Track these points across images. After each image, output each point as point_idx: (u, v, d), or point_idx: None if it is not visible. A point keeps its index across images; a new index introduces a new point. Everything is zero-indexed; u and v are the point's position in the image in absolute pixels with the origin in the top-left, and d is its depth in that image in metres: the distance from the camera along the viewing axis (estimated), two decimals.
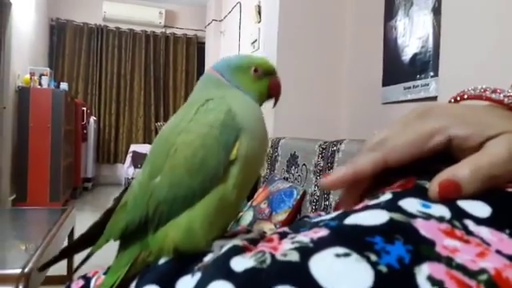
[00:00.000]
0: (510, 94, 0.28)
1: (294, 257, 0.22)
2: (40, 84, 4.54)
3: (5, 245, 1.84)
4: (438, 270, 0.20)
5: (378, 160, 0.28)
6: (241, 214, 1.90)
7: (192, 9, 6.71)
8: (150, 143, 6.21)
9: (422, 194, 0.25)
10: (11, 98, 4.22)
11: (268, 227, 1.68)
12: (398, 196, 0.25)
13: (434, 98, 1.85)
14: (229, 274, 0.23)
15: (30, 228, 2.35)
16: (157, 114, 6.69)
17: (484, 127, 0.26)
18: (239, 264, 0.24)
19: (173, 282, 0.29)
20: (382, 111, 2.32)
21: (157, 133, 6.26)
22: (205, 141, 0.34)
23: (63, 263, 2.13)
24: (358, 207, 0.26)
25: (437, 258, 0.21)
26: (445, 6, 1.74)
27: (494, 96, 0.29)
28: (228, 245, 0.28)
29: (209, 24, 5.87)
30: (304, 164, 1.85)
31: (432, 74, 1.88)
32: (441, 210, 0.23)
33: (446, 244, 0.21)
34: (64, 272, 2.19)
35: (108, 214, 0.38)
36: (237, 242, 0.29)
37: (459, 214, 0.23)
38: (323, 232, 0.24)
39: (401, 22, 2.15)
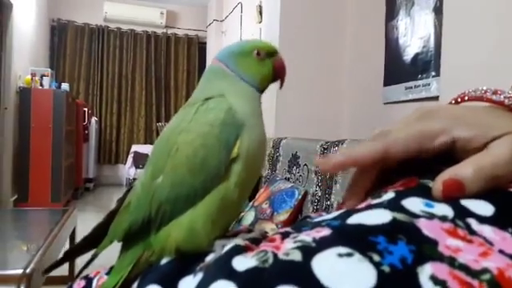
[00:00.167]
0: (511, 96, 0.28)
1: (297, 256, 0.22)
2: (41, 85, 4.54)
3: (6, 245, 1.85)
4: (441, 270, 0.20)
5: (379, 149, 0.28)
6: (242, 214, 1.90)
7: (193, 9, 6.72)
8: (151, 143, 6.21)
9: (425, 193, 0.25)
10: (12, 99, 4.23)
11: (269, 227, 1.68)
12: (400, 195, 0.25)
13: (436, 98, 1.85)
14: (231, 274, 0.23)
15: (32, 228, 2.35)
16: (158, 115, 6.69)
17: (487, 128, 0.26)
18: (241, 263, 0.24)
19: (175, 282, 0.29)
20: (383, 111, 2.32)
21: (158, 133, 6.28)
22: (206, 140, 0.34)
23: (65, 264, 2.13)
24: (360, 206, 0.26)
25: (439, 257, 0.21)
26: (446, 6, 1.74)
27: (494, 97, 0.29)
28: (230, 244, 0.28)
29: (210, 24, 5.87)
30: (305, 164, 1.85)
31: (433, 73, 1.88)
32: (444, 210, 0.23)
33: (448, 244, 0.21)
34: (65, 272, 2.20)
35: (111, 216, 0.38)
36: (239, 241, 0.29)
37: (462, 213, 0.23)
38: (325, 231, 0.24)
39: (402, 22, 2.15)
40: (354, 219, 0.24)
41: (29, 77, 4.46)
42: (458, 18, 1.67)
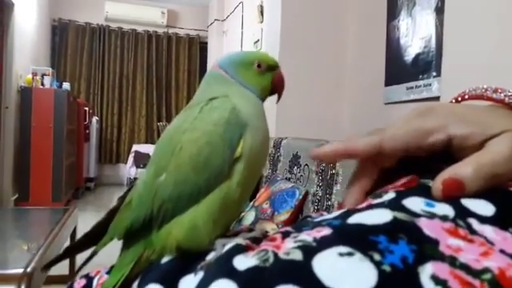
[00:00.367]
0: (511, 94, 0.28)
1: (297, 256, 0.22)
2: (42, 84, 4.55)
3: (7, 245, 1.85)
4: (442, 270, 0.20)
5: (374, 142, 0.28)
6: (243, 214, 1.90)
7: (194, 9, 6.72)
8: (152, 143, 6.22)
9: (425, 192, 0.25)
10: (13, 98, 4.24)
11: (270, 227, 1.68)
12: (401, 195, 0.25)
13: (437, 98, 1.85)
14: (231, 273, 0.23)
15: (32, 228, 2.35)
16: (159, 114, 6.70)
17: (485, 126, 0.26)
18: (242, 263, 0.24)
19: (175, 281, 0.29)
20: (384, 111, 2.31)
21: (159, 133, 6.28)
22: (210, 138, 0.35)
23: (65, 262, 2.13)
24: (361, 206, 0.26)
25: (440, 257, 0.21)
26: (448, 6, 1.74)
27: (495, 96, 0.29)
28: (231, 243, 0.28)
29: (211, 24, 5.87)
30: (306, 164, 1.85)
31: (435, 74, 1.88)
32: (444, 209, 0.23)
33: (449, 243, 0.21)
34: (66, 271, 2.20)
35: (112, 214, 0.38)
36: (239, 240, 0.29)
37: (463, 213, 0.23)
38: (326, 231, 0.24)
39: (403, 22, 2.14)
40: (354, 219, 0.24)
41: (30, 76, 4.46)
42: (459, 18, 1.67)
